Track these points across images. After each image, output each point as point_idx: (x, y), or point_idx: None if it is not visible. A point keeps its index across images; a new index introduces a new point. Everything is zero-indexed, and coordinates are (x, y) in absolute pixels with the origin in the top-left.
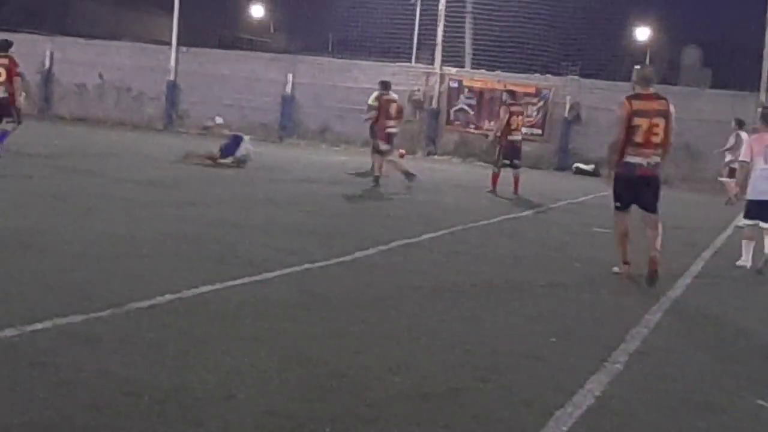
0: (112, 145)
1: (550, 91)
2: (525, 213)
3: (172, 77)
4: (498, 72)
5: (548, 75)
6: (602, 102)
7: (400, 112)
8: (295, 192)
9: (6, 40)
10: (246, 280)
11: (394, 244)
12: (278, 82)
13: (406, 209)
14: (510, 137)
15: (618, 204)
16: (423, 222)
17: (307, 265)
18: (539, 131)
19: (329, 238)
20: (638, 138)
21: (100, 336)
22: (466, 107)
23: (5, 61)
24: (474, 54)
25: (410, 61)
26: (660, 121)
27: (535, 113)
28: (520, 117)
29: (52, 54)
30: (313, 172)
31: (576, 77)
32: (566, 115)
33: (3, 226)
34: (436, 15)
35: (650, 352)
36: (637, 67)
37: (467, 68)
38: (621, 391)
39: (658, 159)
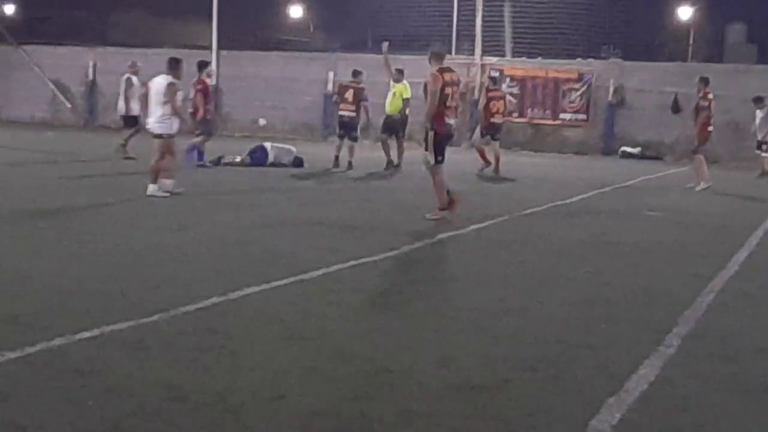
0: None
1: (592, 75)
2: (572, 199)
3: (213, 81)
4: (539, 59)
5: (590, 59)
6: (646, 84)
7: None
8: (338, 189)
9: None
10: (291, 279)
11: (440, 237)
12: (319, 81)
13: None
14: (492, 119)
15: (439, 158)
16: (468, 213)
17: (352, 262)
18: (583, 116)
19: (374, 233)
20: (450, 103)
21: (147, 342)
22: (508, 96)
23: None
24: (514, 42)
25: (450, 53)
26: (456, 89)
27: (578, 98)
28: (501, 101)
29: (94, 65)
30: (355, 169)
31: (618, 60)
32: (610, 98)
33: (50, 235)
34: (474, 5)
35: (704, 335)
36: (432, 46)
37: (508, 57)
38: (675, 375)
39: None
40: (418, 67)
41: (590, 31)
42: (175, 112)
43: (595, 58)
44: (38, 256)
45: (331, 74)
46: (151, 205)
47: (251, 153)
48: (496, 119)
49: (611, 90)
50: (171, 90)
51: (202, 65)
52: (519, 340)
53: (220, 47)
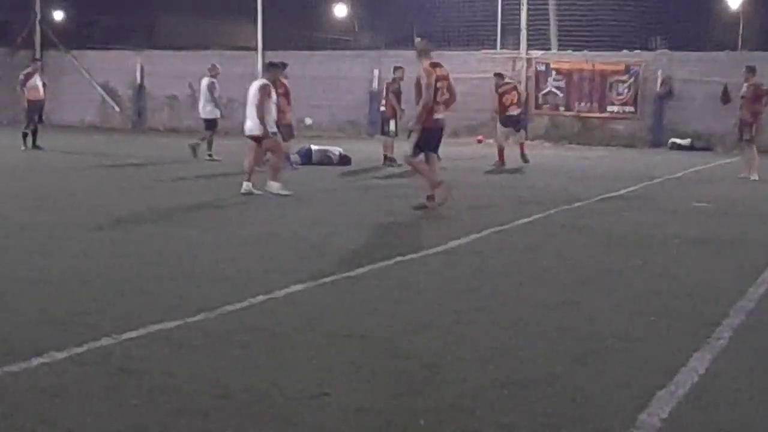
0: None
1: (639, 67)
2: (620, 192)
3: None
4: (585, 51)
5: (637, 51)
6: (695, 74)
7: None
8: (386, 186)
9: (272, 62)
10: (337, 276)
11: (486, 232)
12: (364, 78)
13: (497, 196)
14: (507, 113)
15: (418, 150)
16: (514, 208)
17: (398, 258)
18: (631, 108)
19: (420, 229)
20: (439, 97)
21: (193, 340)
22: (555, 90)
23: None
24: (559, 35)
25: (496, 47)
26: (445, 83)
27: (625, 91)
28: (512, 94)
29: (142, 68)
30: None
31: (666, 50)
32: (658, 90)
33: (96, 235)
34: None
35: (755, 327)
36: (418, 40)
37: (554, 50)
38: (727, 367)
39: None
40: (463, 62)
41: (637, 22)
42: (259, 115)
43: (642, 49)
44: (90, 256)
45: (376, 72)
46: (196, 205)
47: (298, 153)
48: (512, 111)
49: (659, 81)
50: (263, 92)
51: (282, 66)
52: (567, 335)
53: (265, 47)
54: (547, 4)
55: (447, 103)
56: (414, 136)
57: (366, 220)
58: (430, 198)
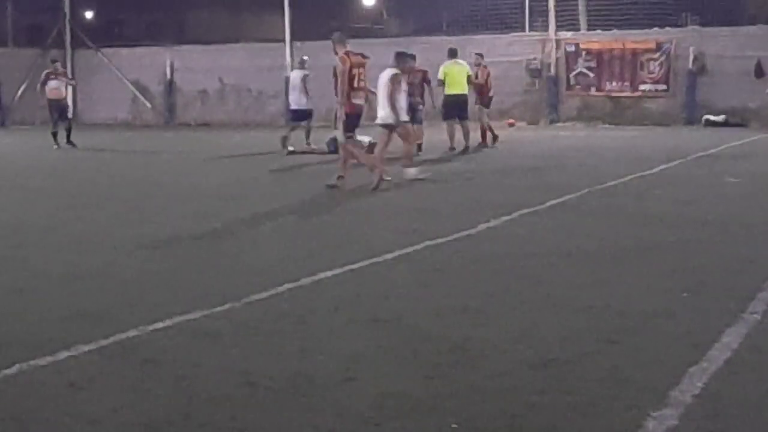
0: (234, 145)
1: (671, 44)
2: (653, 170)
3: (288, 73)
4: (615, 30)
5: (668, 28)
6: (727, 49)
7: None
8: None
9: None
10: (364, 263)
11: (516, 213)
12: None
13: (528, 178)
14: (489, 94)
15: (350, 134)
16: (546, 189)
17: (427, 243)
18: (663, 86)
19: (450, 213)
20: (357, 84)
21: (220, 330)
22: (585, 70)
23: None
24: (588, 15)
25: (524, 30)
26: (362, 71)
27: (657, 68)
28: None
29: (172, 64)
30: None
31: (697, 27)
32: (690, 66)
33: (125, 231)
34: None
35: None
36: (333, 34)
37: (583, 30)
38: (760, 342)
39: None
40: (493, 46)
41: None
42: (390, 103)
43: (672, 26)
44: (117, 251)
45: None
46: (220, 196)
47: (328, 143)
48: (491, 93)
49: (691, 58)
50: (393, 81)
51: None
52: (598, 313)
53: (294, 39)
54: None
55: (363, 89)
56: (340, 122)
57: (393, 205)
58: (341, 178)
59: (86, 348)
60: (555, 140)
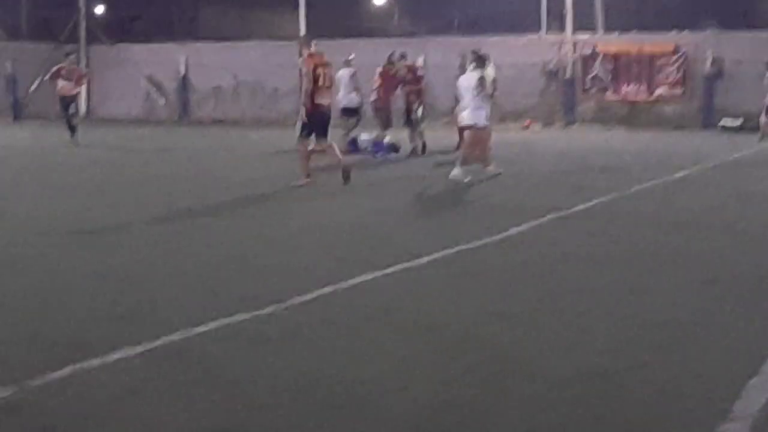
0: (252, 143)
1: (688, 47)
2: (676, 176)
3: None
4: (632, 33)
5: (685, 31)
6: (745, 53)
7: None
8: (437, 174)
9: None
10: (402, 266)
11: (547, 217)
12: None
13: (553, 181)
14: None
15: (305, 133)
16: (571, 193)
17: (460, 247)
18: (680, 90)
19: (480, 217)
20: (321, 83)
21: (265, 334)
22: (601, 73)
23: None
24: (605, 17)
25: (540, 32)
26: (329, 70)
27: (674, 72)
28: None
29: (186, 60)
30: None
31: (715, 30)
32: (707, 71)
33: (155, 228)
34: None
35: None
36: (299, 37)
37: (600, 33)
38: None
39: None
40: (507, 48)
41: (685, 2)
42: (488, 103)
43: (690, 29)
44: (152, 250)
45: (420, 59)
46: (254, 196)
47: (350, 142)
48: None
49: (708, 62)
50: (482, 83)
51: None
52: (645, 322)
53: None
54: None
55: (328, 90)
56: (299, 121)
57: (424, 208)
58: (309, 176)
59: (134, 351)
60: (573, 143)
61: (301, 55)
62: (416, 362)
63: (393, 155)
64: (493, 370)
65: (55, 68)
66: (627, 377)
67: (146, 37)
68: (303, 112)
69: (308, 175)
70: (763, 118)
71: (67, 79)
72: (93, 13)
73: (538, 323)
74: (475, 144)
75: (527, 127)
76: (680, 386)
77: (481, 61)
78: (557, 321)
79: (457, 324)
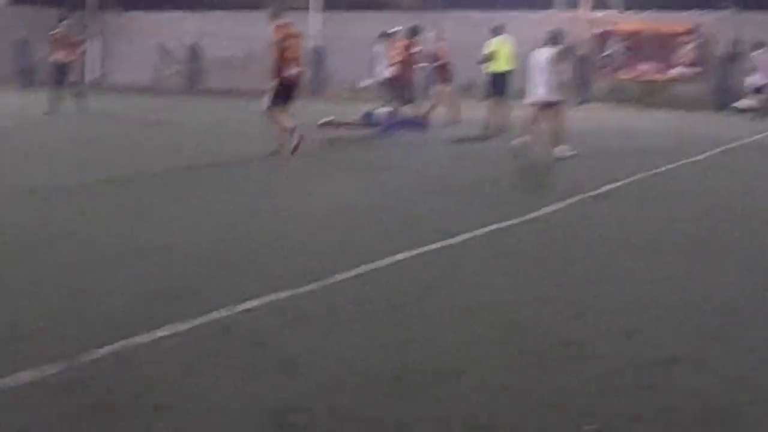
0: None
1: (705, 28)
2: (699, 157)
3: (314, 42)
4: (648, 12)
5: (703, 11)
6: (765, 35)
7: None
8: (459, 153)
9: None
10: (438, 245)
11: (575, 198)
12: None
13: (576, 161)
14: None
15: (278, 101)
16: (596, 173)
17: (495, 226)
18: (696, 71)
19: (510, 195)
20: (290, 54)
21: (310, 312)
22: (616, 52)
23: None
24: None
25: (553, 8)
26: (298, 41)
27: (691, 52)
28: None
29: (197, 29)
30: (466, 130)
31: (734, 11)
32: (725, 51)
33: (183, 206)
34: None
35: None
36: (269, 8)
37: (615, 11)
38: None
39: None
40: (520, 24)
41: None
42: (565, 81)
43: (709, 8)
44: (182, 228)
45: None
46: (291, 171)
47: (363, 116)
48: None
49: (726, 42)
50: (560, 58)
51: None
52: (693, 309)
53: (317, 7)
54: None
55: (298, 60)
56: (270, 90)
57: (452, 185)
58: (283, 147)
59: (182, 327)
60: (588, 122)
61: (271, 21)
62: (466, 345)
63: (420, 130)
64: (548, 354)
65: (51, 36)
66: (691, 366)
67: (155, 6)
68: (275, 83)
69: (296, 147)
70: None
71: (61, 45)
72: None
73: (587, 308)
74: (560, 118)
75: None
76: (746, 377)
77: (555, 38)
78: (606, 306)
79: (500, 306)
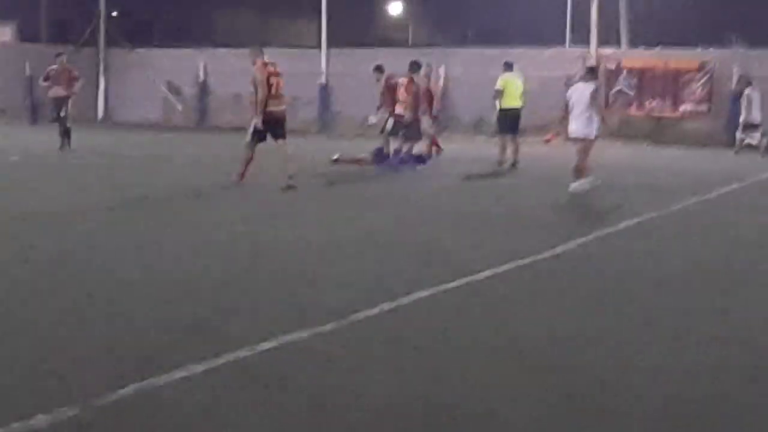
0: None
1: (714, 64)
2: (716, 193)
3: (323, 80)
4: (657, 49)
5: (712, 48)
6: None
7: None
8: (472, 188)
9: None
10: (459, 282)
11: (596, 234)
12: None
13: (592, 197)
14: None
15: (255, 138)
16: (615, 209)
17: (518, 261)
18: (705, 107)
19: (526, 231)
20: (274, 91)
21: (331, 352)
22: (625, 88)
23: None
24: (630, 31)
25: (564, 45)
26: (281, 80)
27: (699, 89)
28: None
29: (205, 66)
30: (479, 165)
31: (742, 47)
32: (734, 88)
33: (200, 237)
34: None
35: None
36: (252, 47)
37: (624, 48)
38: None
39: (284, 105)
40: (530, 60)
41: (712, 18)
42: (600, 116)
43: (717, 46)
44: (198, 259)
45: (442, 69)
46: (306, 203)
47: (374, 153)
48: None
49: (735, 79)
50: (596, 95)
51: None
52: (730, 346)
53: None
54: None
55: (281, 97)
56: (251, 127)
57: (467, 220)
58: (242, 176)
59: (199, 368)
60: (601, 158)
61: (254, 63)
62: (496, 387)
63: (420, 166)
64: (582, 395)
65: (45, 72)
66: (715, 405)
67: (163, 43)
68: (258, 119)
69: (242, 176)
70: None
71: (56, 81)
72: (111, 17)
73: (613, 346)
74: (587, 155)
75: (549, 141)
76: None
77: (593, 73)
78: (633, 343)
79: (529, 345)
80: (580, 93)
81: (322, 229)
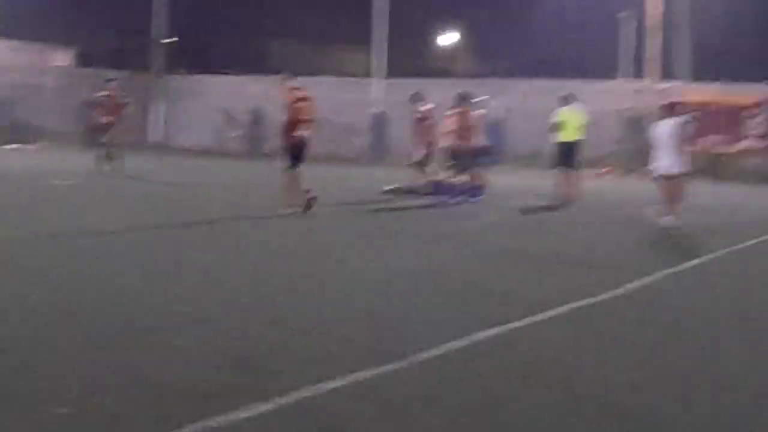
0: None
1: None
2: None
3: (376, 109)
4: (716, 84)
5: None
6: None
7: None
8: (528, 223)
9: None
10: (520, 323)
11: (660, 273)
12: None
13: (655, 235)
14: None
15: (294, 163)
16: (678, 248)
17: (581, 302)
18: (766, 143)
19: (587, 269)
20: (302, 116)
21: (400, 395)
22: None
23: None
24: (693, 66)
25: (621, 77)
26: (311, 104)
27: (760, 125)
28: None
29: (260, 94)
30: (534, 198)
31: None
32: None
33: (247, 268)
34: (645, 26)
35: None
36: (282, 73)
37: (683, 81)
38: None
39: (310, 130)
40: (586, 92)
41: None
42: (685, 152)
43: None
44: (248, 291)
45: (494, 102)
46: (358, 235)
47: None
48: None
49: None
50: (686, 130)
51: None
52: None
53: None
54: (678, 33)
55: (309, 122)
56: (286, 153)
57: (525, 257)
58: (293, 205)
59: (263, 407)
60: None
61: (283, 85)
62: (561, 427)
63: (478, 197)
64: None
65: (94, 97)
66: None
67: (217, 70)
68: (286, 145)
69: (291, 205)
70: None
71: (102, 107)
72: (168, 44)
73: (687, 394)
74: (682, 189)
75: (603, 174)
76: None
77: (671, 109)
78: (704, 392)
79: (600, 391)
80: (668, 128)
81: (374, 263)
